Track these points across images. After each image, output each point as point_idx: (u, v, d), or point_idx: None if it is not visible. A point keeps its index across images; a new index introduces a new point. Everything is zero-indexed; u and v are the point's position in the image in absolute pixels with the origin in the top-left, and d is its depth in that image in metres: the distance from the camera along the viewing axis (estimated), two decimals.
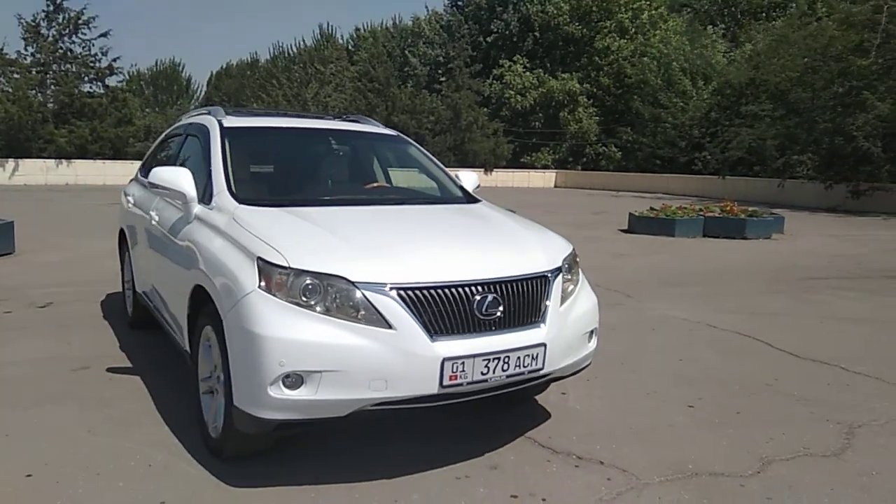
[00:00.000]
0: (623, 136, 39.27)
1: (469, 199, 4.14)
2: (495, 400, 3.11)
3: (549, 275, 3.10)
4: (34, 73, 28.70)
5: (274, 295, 2.69)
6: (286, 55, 56.88)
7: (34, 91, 28.63)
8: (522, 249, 3.20)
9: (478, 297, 2.81)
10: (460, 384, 2.74)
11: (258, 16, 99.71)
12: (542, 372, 2.98)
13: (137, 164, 23.12)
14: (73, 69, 29.51)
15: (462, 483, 2.96)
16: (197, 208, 3.52)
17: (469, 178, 4.41)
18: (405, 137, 4.70)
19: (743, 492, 2.95)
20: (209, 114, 4.34)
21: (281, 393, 2.61)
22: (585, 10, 41.32)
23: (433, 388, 2.69)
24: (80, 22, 29.24)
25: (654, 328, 5.84)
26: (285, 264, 2.70)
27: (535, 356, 2.91)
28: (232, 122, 4.05)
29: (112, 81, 30.79)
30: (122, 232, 5.45)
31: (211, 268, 3.01)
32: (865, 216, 19.20)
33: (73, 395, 3.88)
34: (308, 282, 2.69)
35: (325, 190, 4.06)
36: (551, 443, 3.41)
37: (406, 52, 44.01)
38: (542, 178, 38.41)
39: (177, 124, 5.10)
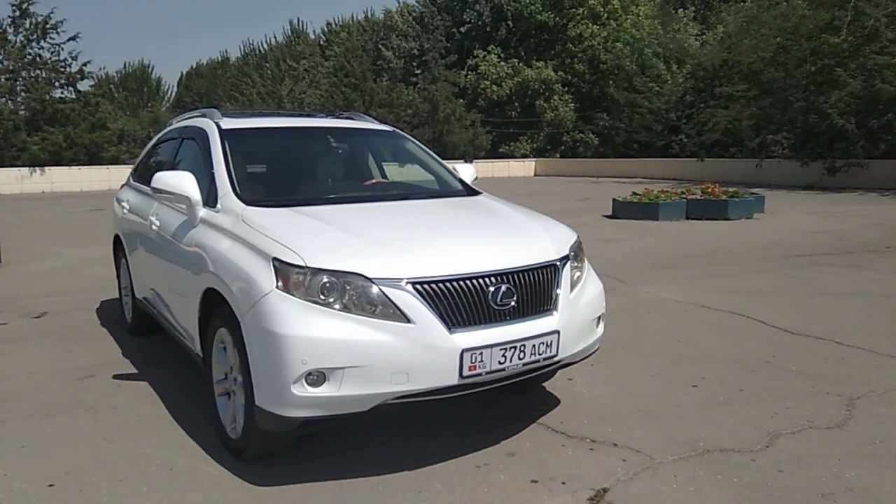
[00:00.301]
0: (599, 123, 39.51)
1: (469, 191, 4.19)
2: (505, 389, 3.17)
3: (558, 263, 3.16)
4: (3, 80, 28.15)
5: (292, 294, 2.72)
6: (257, 52, 56.41)
7: (4, 98, 28.11)
8: (530, 239, 3.25)
9: (492, 289, 2.86)
10: (479, 374, 2.79)
11: (227, 14, 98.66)
12: (556, 358, 3.04)
13: (114, 169, 22.90)
14: (44, 75, 28.98)
15: (482, 471, 3.02)
16: (202, 212, 3.52)
17: (467, 171, 4.45)
18: (401, 132, 4.73)
19: (754, 466, 3.03)
20: (204, 116, 4.33)
21: (304, 391, 2.64)
22: None
23: (453, 380, 2.74)
24: (47, 26, 28.69)
25: (649, 311, 5.93)
26: (302, 264, 2.73)
27: (549, 343, 2.97)
28: (229, 123, 4.05)
29: (83, 86, 30.33)
30: (117, 238, 5.42)
31: (224, 270, 3.03)
32: (842, 192, 19.54)
33: (84, 403, 3.88)
34: (325, 280, 2.72)
35: (328, 188, 4.08)
36: (564, 428, 3.47)
37: (380, 45, 43.80)
38: (522, 168, 38.52)
39: (168, 128, 5.08)
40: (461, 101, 36.78)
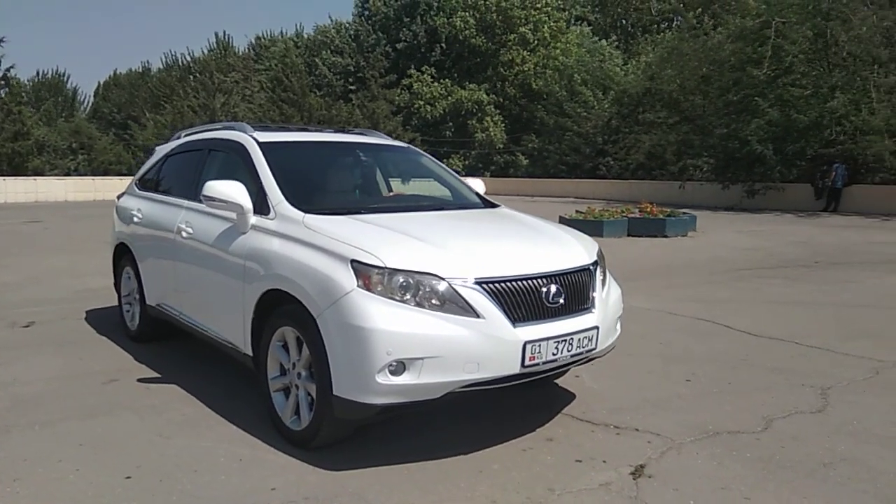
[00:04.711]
0: (529, 144, 40.84)
1: (487, 203, 4.54)
2: (529, 384, 3.50)
3: (591, 267, 3.56)
4: None
5: (372, 292, 2.99)
6: (180, 65, 55.07)
7: None
8: (566, 245, 3.64)
9: (544, 288, 3.21)
10: (537, 364, 3.13)
11: (146, 23, 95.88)
12: (595, 352, 3.43)
13: (41, 181, 21.98)
14: None
15: (529, 453, 3.35)
16: (254, 219, 3.73)
17: (478, 185, 4.82)
18: (416, 148, 5.05)
19: (760, 444, 3.49)
20: (233, 129, 4.51)
21: (387, 379, 2.91)
22: (490, 23, 42.65)
23: (515, 369, 3.08)
24: None
25: (626, 317, 6.40)
26: (381, 265, 3.01)
27: (590, 338, 3.35)
28: (264, 137, 4.26)
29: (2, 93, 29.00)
30: (121, 247, 5.45)
31: (295, 272, 3.25)
32: (761, 213, 21.02)
33: (122, 405, 3.97)
34: (402, 279, 3.01)
35: (368, 198, 4.34)
36: (587, 417, 3.86)
37: (316, 59, 43.73)
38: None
39: (181, 141, 5.19)
40: (398, 118, 37.23)
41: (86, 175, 32.93)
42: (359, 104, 35.53)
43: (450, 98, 40.98)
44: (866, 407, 4.02)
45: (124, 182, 26.57)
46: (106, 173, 33.86)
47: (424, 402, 3.03)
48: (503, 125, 42.59)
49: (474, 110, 41.37)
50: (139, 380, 4.43)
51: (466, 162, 42.20)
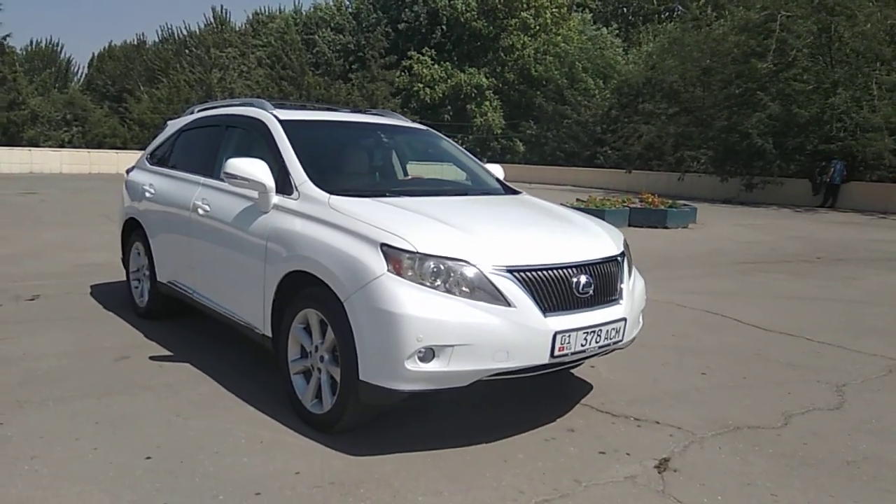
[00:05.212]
0: (527, 131, 40.70)
1: (507, 189, 4.48)
2: (548, 374, 3.46)
3: (619, 258, 3.52)
4: None
5: (403, 277, 2.94)
6: (176, 38, 54.34)
7: None
8: (595, 235, 3.60)
9: (574, 279, 3.17)
10: (566, 355, 3.10)
11: None
12: (621, 343, 3.40)
13: (36, 151, 21.75)
14: None
15: (553, 443, 3.33)
16: (276, 198, 3.66)
17: (498, 171, 4.76)
18: (435, 131, 4.98)
19: (781, 440, 3.48)
20: (252, 106, 4.43)
21: (416, 366, 2.87)
22: (491, 6, 42.29)
23: (545, 359, 3.04)
24: None
25: None
26: (413, 249, 2.95)
27: (618, 329, 3.32)
28: (286, 115, 4.18)
29: None
30: (130, 222, 5.37)
31: (321, 254, 3.19)
32: (759, 207, 21.07)
33: (136, 383, 3.92)
34: (433, 265, 2.96)
35: (390, 181, 4.27)
36: (607, 408, 3.83)
37: (314, 37, 43.25)
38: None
39: (195, 116, 5.10)
40: (397, 100, 36.98)
41: (80, 147, 32.60)
42: (358, 84, 35.25)
43: (449, 81, 40.71)
44: (884, 405, 4.02)
45: (120, 156, 26.39)
46: (100, 146, 33.50)
47: (451, 390, 3.00)
48: (501, 111, 42.39)
49: (473, 94, 41.13)
50: (151, 357, 4.37)
51: (464, 146, 42.02)
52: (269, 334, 3.64)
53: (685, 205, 15.60)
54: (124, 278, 5.70)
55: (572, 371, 4.37)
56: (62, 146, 32.10)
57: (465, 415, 3.64)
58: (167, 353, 4.51)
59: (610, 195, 18.32)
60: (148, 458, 3.02)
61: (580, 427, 3.55)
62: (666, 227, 14.02)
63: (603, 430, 3.53)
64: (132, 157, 29.45)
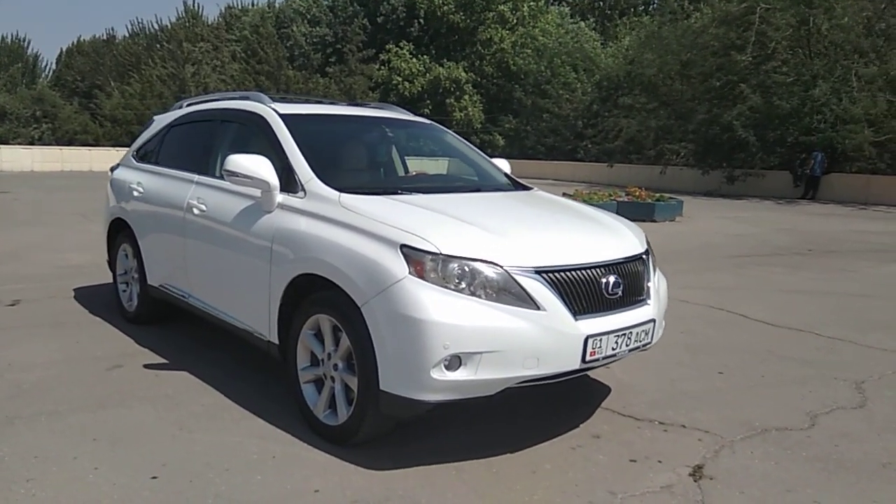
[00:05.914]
0: (506, 125, 40.60)
1: (517, 185, 4.31)
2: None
3: (644, 256, 3.37)
4: None
5: (425, 281, 2.75)
6: (147, 32, 53.29)
7: None
8: (618, 233, 3.44)
9: (603, 279, 3.01)
10: (597, 359, 2.94)
11: None
12: (650, 345, 3.25)
13: (5, 148, 21.27)
14: None
15: (579, 451, 3.18)
16: (280, 197, 3.45)
17: (505, 165, 4.59)
18: (439, 125, 4.79)
19: (812, 442, 3.36)
20: (249, 99, 4.21)
21: (442, 374, 2.69)
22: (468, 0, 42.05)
23: (575, 364, 2.88)
24: None
25: None
26: (435, 251, 2.77)
27: (647, 331, 3.17)
28: (286, 108, 3.96)
29: None
30: (117, 223, 5.10)
31: (334, 256, 2.99)
32: (740, 199, 21.16)
33: (133, 394, 3.69)
34: (457, 267, 2.78)
35: (399, 178, 4.08)
36: (629, 412, 3.69)
37: (289, 30, 42.64)
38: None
39: (186, 111, 4.86)
40: (375, 94, 36.63)
41: (51, 145, 31.82)
42: (336, 78, 34.80)
43: (428, 75, 40.41)
44: None
45: (93, 153, 25.85)
46: (70, 143, 32.73)
47: (477, 399, 2.83)
48: (481, 105, 42.22)
49: (452, 88, 40.88)
50: (146, 366, 4.15)
51: None
52: (276, 341, 3.43)
53: (672, 198, 15.57)
54: (109, 281, 5.46)
55: (588, 373, 4.22)
56: (32, 143, 31.27)
57: (483, 423, 3.47)
58: (162, 360, 4.28)
59: (594, 189, 18.27)
60: (154, 477, 2.81)
61: (605, 433, 3.40)
62: (654, 221, 13.96)
63: (629, 435, 3.39)
64: (105, 153, 29.10)
